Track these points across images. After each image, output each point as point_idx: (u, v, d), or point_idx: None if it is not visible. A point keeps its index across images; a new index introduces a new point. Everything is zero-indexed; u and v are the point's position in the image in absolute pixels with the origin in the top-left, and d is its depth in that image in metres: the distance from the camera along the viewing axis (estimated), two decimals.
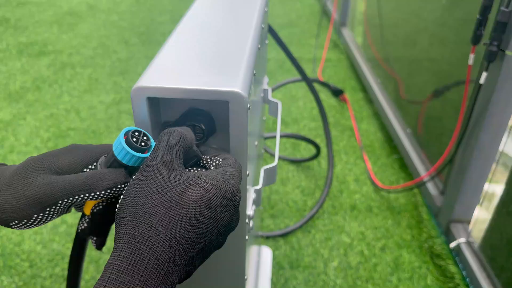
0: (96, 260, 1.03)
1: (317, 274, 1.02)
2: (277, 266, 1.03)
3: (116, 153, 0.38)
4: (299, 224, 1.12)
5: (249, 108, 0.45)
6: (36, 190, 0.35)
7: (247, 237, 0.54)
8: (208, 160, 0.42)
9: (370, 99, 1.71)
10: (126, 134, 0.38)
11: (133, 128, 0.39)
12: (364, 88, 1.79)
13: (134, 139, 0.38)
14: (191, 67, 0.47)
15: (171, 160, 0.36)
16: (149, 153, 0.38)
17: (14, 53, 2.03)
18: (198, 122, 0.49)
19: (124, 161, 0.38)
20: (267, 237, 1.10)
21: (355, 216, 1.18)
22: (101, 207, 0.43)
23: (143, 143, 0.38)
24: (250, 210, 0.54)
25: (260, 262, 1.02)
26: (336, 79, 1.87)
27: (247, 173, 0.49)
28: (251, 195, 0.56)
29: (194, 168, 0.42)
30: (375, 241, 1.11)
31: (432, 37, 1.26)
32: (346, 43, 2.07)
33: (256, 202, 0.58)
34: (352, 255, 1.07)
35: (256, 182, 0.61)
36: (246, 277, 0.58)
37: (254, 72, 0.52)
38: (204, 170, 0.41)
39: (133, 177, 0.36)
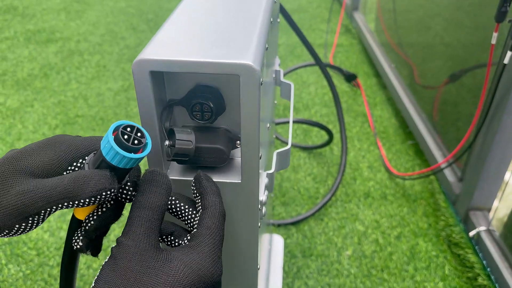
0: (104, 249, 1.01)
1: (331, 263, 0.99)
2: (289, 254, 1.01)
3: (104, 153, 0.31)
4: (311, 211, 1.09)
5: (261, 83, 0.41)
6: (14, 200, 0.30)
7: (259, 224, 0.51)
8: (186, 217, 0.38)
9: (383, 85, 1.66)
10: (116, 130, 0.31)
11: (125, 122, 0.32)
12: (377, 73, 1.73)
13: (126, 136, 0.31)
14: (198, 39, 0.44)
15: (144, 243, 0.31)
16: (144, 153, 0.32)
17: (22, 40, 2.01)
18: (206, 100, 0.45)
19: (113, 163, 0.31)
20: (279, 225, 1.07)
21: (369, 204, 1.14)
22: (95, 218, 0.35)
23: (136, 141, 0.31)
24: (262, 195, 0.50)
25: (272, 250, 0.99)
26: (348, 64, 1.82)
27: (259, 155, 0.46)
28: (263, 180, 0.53)
29: (170, 238, 0.37)
30: (390, 230, 1.07)
31: (448, 20, 1.20)
32: (359, 28, 2.01)
33: (268, 187, 0.54)
34: (367, 244, 1.03)
35: (268, 167, 0.58)
36: (258, 266, 0.55)
37: (267, 46, 0.48)
38: (178, 242, 0.36)
39: (104, 263, 0.31)
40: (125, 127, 0.31)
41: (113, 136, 0.31)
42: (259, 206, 0.50)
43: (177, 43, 0.43)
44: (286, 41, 1.99)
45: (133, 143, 0.31)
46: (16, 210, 0.30)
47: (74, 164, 0.34)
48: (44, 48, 1.94)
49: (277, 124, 1.38)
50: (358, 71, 1.76)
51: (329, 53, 1.89)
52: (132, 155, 0.31)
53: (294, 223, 1.08)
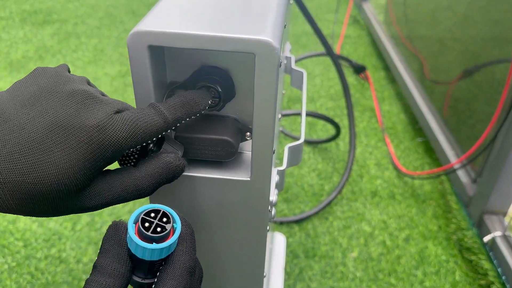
0: (95, 242, 0.95)
1: (335, 265, 0.93)
2: (291, 254, 0.95)
3: (128, 243, 0.28)
4: (316, 209, 1.03)
5: (280, 65, 0.35)
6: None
7: (268, 228, 0.45)
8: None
9: (392, 78, 1.60)
10: (136, 220, 0.27)
11: (148, 207, 0.28)
12: (387, 66, 1.67)
13: (147, 224, 0.27)
14: (207, 9, 0.37)
15: None
16: (170, 241, 0.27)
17: (17, 21, 1.93)
18: (213, 83, 0.39)
19: (137, 255, 0.27)
20: (281, 223, 1.02)
21: (377, 203, 1.08)
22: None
23: (158, 228, 0.27)
24: (273, 195, 0.44)
25: (273, 249, 0.94)
26: (356, 56, 1.75)
27: (273, 149, 0.39)
28: (274, 177, 0.47)
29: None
30: (398, 231, 1.02)
31: (460, 14, 1.14)
32: (367, 19, 1.94)
33: (279, 185, 0.48)
34: (373, 246, 0.98)
35: (279, 163, 0.52)
36: (265, 274, 0.49)
37: (285, 24, 0.42)
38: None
39: None
40: (147, 213, 0.27)
41: (133, 225, 0.27)
42: (269, 207, 0.44)
43: (181, 13, 0.36)
44: (291, 29, 1.92)
45: (154, 231, 0.27)
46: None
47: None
48: (40, 29, 1.86)
49: (283, 116, 1.31)
50: (366, 63, 1.69)
51: (336, 45, 1.82)
52: (154, 246, 0.27)
53: (297, 221, 1.02)
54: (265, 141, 0.38)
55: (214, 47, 0.33)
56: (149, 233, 0.26)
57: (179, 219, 0.28)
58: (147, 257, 0.27)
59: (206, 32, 0.33)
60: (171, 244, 0.27)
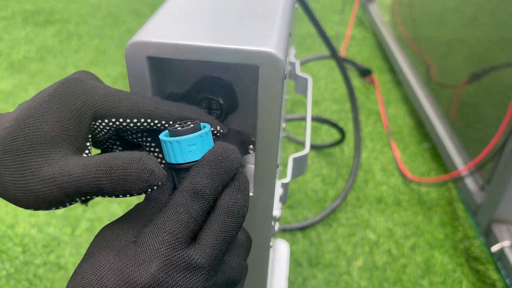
0: None
1: (339, 274, 0.91)
2: (294, 262, 0.93)
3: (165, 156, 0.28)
4: (320, 216, 1.01)
5: (285, 77, 0.33)
6: (40, 187, 0.24)
7: (271, 244, 0.43)
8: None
9: (398, 81, 1.57)
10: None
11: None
12: (392, 69, 1.64)
13: (177, 126, 0.28)
14: (210, 18, 0.35)
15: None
16: (197, 133, 0.27)
17: (19, 21, 1.92)
18: (214, 95, 0.37)
19: (170, 160, 0.27)
20: (284, 230, 1.00)
21: (382, 210, 1.06)
22: None
23: (186, 127, 0.27)
24: (276, 209, 0.42)
25: (276, 257, 0.92)
26: (361, 58, 1.73)
27: (277, 164, 0.38)
28: (277, 191, 0.45)
29: None
30: (404, 239, 0.99)
31: (467, 16, 1.11)
32: (373, 20, 1.92)
33: (283, 199, 0.46)
34: (378, 254, 0.96)
35: (281, 175, 0.50)
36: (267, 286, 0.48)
37: (290, 32, 0.40)
38: None
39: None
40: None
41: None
42: (273, 222, 0.42)
43: (182, 23, 0.34)
44: (296, 32, 1.90)
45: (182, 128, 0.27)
46: (44, 199, 0.24)
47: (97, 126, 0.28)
48: (41, 29, 1.85)
49: (287, 121, 1.29)
50: (371, 65, 1.67)
51: (341, 46, 1.80)
52: (180, 138, 0.27)
53: (300, 229, 1.00)
54: (269, 156, 0.36)
55: (216, 59, 0.31)
56: (177, 129, 0.27)
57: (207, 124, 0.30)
58: (179, 157, 0.27)
59: (207, 43, 0.31)
60: (195, 136, 0.27)
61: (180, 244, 0.24)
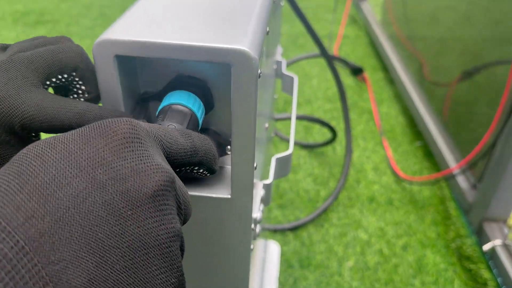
0: None
1: (330, 274, 0.90)
2: (285, 263, 0.92)
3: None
4: (311, 216, 1.00)
5: (259, 76, 0.32)
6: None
7: (252, 246, 0.42)
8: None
9: (391, 80, 1.57)
10: None
11: None
12: (385, 67, 1.64)
13: None
14: (180, 16, 0.34)
15: None
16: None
17: (9, 22, 1.90)
18: None
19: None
20: (275, 231, 0.99)
21: (374, 210, 1.06)
22: None
23: None
24: (257, 212, 0.41)
25: (266, 258, 0.91)
26: (354, 57, 1.72)
27: (255, 165, 0.36)
28: (258, 193, 0.44)
29: None
30: (395, 239, 0.99)
31: (461, 13, 1.11)
32: (366, 19, 1.91)
33: (265, 200, 0.45)
34: (370, 254, 0.95)
35: (265, 175, 0.49)
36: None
37: (268, 29, 0.39)
38: None
39: None
40: None
41: None
42: (253, 225, 0.41)
43: (152, 20, 0.33)
44: (288, 30, 1.89)
45: None
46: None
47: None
48: (32, 30, 1.83)
49: (277, 120, 1.28)
50: (364, 64, 1.66)
51: (333, 45, 1.79)
52: None
53: (292, 229, 0.99)
54: (245, 157, 0.35)
55: (186, 57, 0.30)
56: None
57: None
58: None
59: (177, 40, 0.30)
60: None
61: None
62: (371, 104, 1.44)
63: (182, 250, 0.22)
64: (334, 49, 1.76)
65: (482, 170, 0.94)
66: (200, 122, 0.35)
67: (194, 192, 0.37)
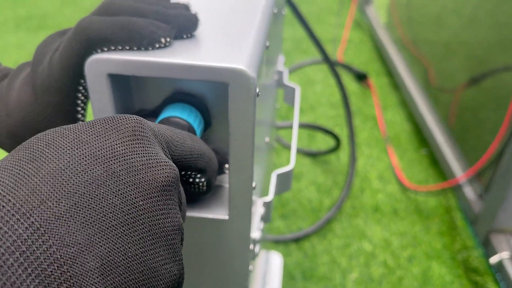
0: None
1: (334, 287, 0.88)
2: (287, 275, 0.90)
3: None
4: (315, 227, 0.98)
5: (257, 94, 0.30)
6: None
7: (251, 267, 0.41)
8: None
9: (396, 85, 1.55)
10: None
11: None
12: (390, 72, 1.62)
13: None
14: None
15: None
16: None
17: (11, 26, 1.90)
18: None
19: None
20: (277, 241, 0.97)
21: (378, 220, 1.04)
22: None
23: None
24: (255, 231, 0.40)
25: (268, 270, 0.89)
26: (358, 62, 1.70)
27: (253, 185, 0.35)
28: (258, 210, 0.42)
29: None
30: (400, 250, 0.97)
31: (467, 17, 1.09)
32: (370, 23, 1.89)
33: (265, 218, 0.44)
34: (374, 266, 0.93)
35: (265, 192, 0.47)
36: None
37: (267, 44, 0.37)
38: None
39: None
40: None
41: None
42: (251, 245, 0.39)
43: None
44: (292, 35, 1.88)
45: None
46: None
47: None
48: (34, 35, 1.83)
49: (280, 128, 1.27)
50: (368, 69, 1.64)
51: (338, 49, 1.78)
52: None
53: (294, 240, 0.97)
54: (243, 177, 0.34)
55: (181, 76, 0.29)
56: None
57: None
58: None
59: (171, 59, 0.29)
60: None
61: None
62: (375, 111, 1.42)
63: (181, 244, 0.24)
64: (338, 54, 1.75)
65: (489, 180, 0.92)
66: (199, 137, 0.34)
67: (190, 213, 0.36)
